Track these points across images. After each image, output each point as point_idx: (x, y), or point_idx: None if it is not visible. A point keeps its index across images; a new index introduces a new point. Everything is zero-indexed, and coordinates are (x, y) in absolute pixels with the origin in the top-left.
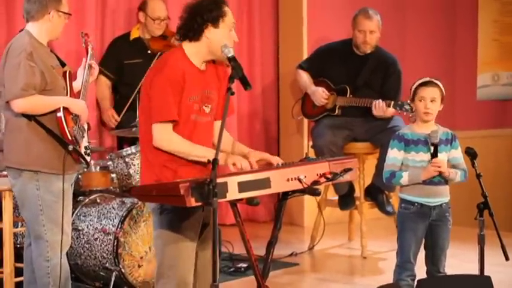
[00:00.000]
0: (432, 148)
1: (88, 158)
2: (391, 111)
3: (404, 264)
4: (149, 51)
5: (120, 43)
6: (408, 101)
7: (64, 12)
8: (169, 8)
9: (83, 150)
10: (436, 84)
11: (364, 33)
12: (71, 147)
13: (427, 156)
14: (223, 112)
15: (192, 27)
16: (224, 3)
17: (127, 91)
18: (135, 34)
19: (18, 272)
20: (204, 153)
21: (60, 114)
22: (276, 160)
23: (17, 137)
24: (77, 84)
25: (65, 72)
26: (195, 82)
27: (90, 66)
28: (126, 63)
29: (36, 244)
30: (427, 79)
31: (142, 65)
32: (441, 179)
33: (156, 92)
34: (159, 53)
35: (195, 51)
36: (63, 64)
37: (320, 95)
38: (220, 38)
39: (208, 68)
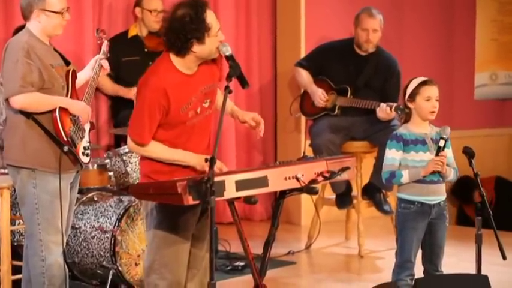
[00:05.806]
0: (442, 142)
1: (87, 159)
2: (393, 113)
3: (404, 264)
4: (146, 49)
5: (118, 41)
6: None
7: (52, 11)
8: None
9: (80, 151)
10: (436, 83)
11: (367, 31)
12: (66, 148)
13: (426, 156)
14: (221, 112)
15: (176, 44)
16: (205, 12)
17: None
18: (132, 32)
19: (15, 270)
20: (185, 158)
21: (56, 114)
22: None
23: (15, 134)
24: (80, 78)
25: (68, 71)
26: (184, 91)
27: (100, 64)
28: (124, 60)
29: (29, 242)
30: (426, 78)
31: (140, 63)
32: (440, 176)
33: (135, 108)
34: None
35: (182, 63)
36: (67, 63)
37: (319, 97)
38: (207, 50)
39: (199, 67)
